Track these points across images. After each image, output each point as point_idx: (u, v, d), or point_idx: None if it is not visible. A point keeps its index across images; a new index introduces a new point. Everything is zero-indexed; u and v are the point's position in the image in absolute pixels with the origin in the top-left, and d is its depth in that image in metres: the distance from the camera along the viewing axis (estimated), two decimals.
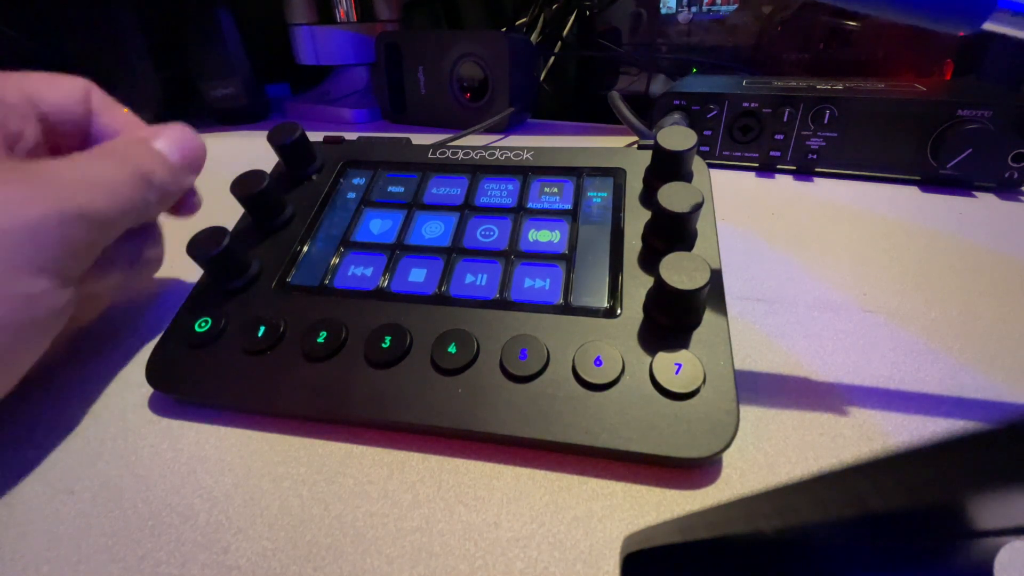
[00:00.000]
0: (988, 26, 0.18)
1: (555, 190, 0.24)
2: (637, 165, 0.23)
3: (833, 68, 0.51)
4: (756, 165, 0.39)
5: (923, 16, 0.17)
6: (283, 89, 0.70)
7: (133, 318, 0.24)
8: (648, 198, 0.22)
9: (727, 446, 0.15)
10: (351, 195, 0.25)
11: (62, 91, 0.19)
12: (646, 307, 0.18)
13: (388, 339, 0.18)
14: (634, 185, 0.23)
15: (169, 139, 0.20)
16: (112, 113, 0.21)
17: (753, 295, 0.24)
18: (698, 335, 0.17)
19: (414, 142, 0.27)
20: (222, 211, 0.23)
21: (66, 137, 0.20)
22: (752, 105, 0.37)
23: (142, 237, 0.21)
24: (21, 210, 0.14)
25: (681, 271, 0.17)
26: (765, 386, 0.19)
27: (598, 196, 0.23)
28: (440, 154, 0.26)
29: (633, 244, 0.21)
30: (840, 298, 0.23)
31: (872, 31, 0.49)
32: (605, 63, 0.63)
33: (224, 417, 0.19)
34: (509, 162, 0.25)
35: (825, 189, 0.35)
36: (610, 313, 0.19)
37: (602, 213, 0.22)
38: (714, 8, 0.54)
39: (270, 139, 0.25)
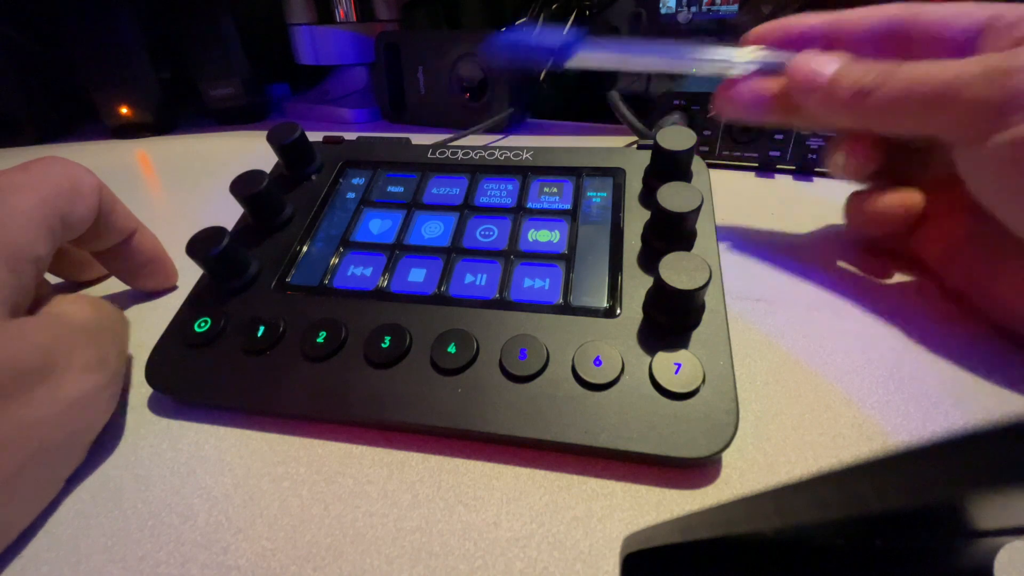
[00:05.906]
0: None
1: (555, 190, 0.24)
2: (637, 165, 0.23)
3: None
4: (756, 165, 0.39)
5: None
6: (283, 89, 0.70)
7: (132, 318, 0.24)
8: (648, 198, 0.22)
9: (727, 446, 0.15)
10: (351, 195, 0.25)
11: (85, 204, 0.20)
12: (646, 307, 0.18)
13: (388, 339, 0.18)
14: (634, 185, 0.23)
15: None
16: (115, 212, 0.22)
17: (753, 295, 0.24)
18: (698, 335, 0.17)
19: (414, 142, 0.27)
20: (222, 211, 0.23)
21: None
22: None
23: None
24: None
25: (681, 271, 0.17)
26: (765, 386, 0.19)
27: (598, 196, 0.23)
28: (440, 154, 0.26)
29: (633, 244, 0.21)
30: (840, 298, 0.23)
31: None
32: None
33: (224, 417, 0.19)
34: (509, 162, 0.25)
35: (825, 189, 0.35)
36: (610, 313, 0.19)
37: (602, 213, 0.22)
38: (714, 8, 0.54)
39: (270, 139, 0.25)
